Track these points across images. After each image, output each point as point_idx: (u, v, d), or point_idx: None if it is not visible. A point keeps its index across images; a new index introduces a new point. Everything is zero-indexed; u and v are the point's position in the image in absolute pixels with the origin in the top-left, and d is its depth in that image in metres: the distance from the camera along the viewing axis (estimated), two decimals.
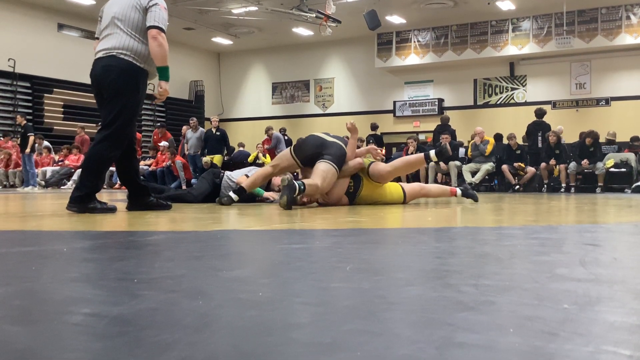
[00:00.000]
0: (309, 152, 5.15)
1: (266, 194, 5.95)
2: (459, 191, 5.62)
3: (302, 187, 4.68)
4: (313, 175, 4.95)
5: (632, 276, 1.52)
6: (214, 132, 13.81)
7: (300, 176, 5.51)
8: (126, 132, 4.14)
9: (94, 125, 15.78)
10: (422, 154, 5.46)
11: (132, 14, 4.12)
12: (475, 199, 5.64)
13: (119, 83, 4.06)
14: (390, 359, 0.78)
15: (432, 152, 5.40)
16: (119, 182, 14.04)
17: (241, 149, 15.85)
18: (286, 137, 15.79)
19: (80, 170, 4.25)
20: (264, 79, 21.71)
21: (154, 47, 4.09)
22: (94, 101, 4.34)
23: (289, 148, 5.37)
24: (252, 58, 21.59)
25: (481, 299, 1.16)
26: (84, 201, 3.99)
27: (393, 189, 5.45)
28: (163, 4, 4.22)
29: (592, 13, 16.05)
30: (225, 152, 14.36)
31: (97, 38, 4.33)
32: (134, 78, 4.11)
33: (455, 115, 17.11)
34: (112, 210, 4.07)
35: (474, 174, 11.98)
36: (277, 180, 6.45)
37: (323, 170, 4.95)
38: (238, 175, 6.31)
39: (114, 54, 4.08)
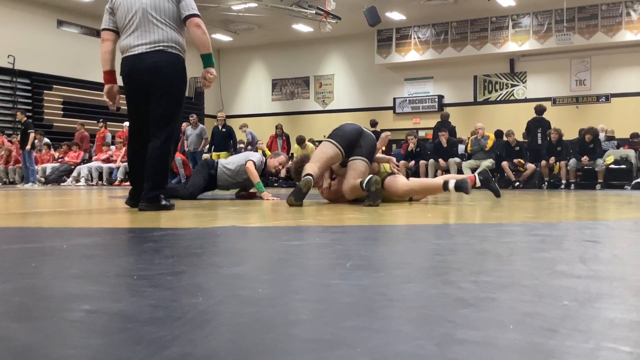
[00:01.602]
0: (351, 137, 4.95)
1: (264, 195, 5.85)
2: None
3: (312, 180, 4.62)
4: (354, 173, 4.84)
5: (632, 273, 1.52)
6: (220, 128, 13.73)
7: (333, 175, 5.32)
8: (178, 127, 4.18)
9: (97, 122, 15.79)
10: (441, 183, 5.16)
11: (167, 5, 4.05)
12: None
13: (172, 79, 4.04)
14: (390, 355, 0.78)
15: (451, 184, 5.13)
16: (118, 179, 14.05)
17: (241, 145, 15.84)
18: (284, 135, 15.74)
19: (145, 169, 4.14)
20: (263, 75, 21.70)
21: (199, 35, 4.06)
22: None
23: (327, 141, 5.06)
24: (251, 54, 21.58)
25: (481, 295, 1.16)
26: (159, 200, 4.00)
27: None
28: None
29: (592, 9, 16.04)
30: (232, 149, 14.24)
31: (112, 30, 4.17)
32: (182, 71, 4.12)
33: (455, 112, 17.10)
34: (173, 207, 4.12)
35: (473, 170, 11.97)
36: (272, 162, 6.37)
37: (362, 172, 4.87)
38: (234, 164, 6.23)
39: (161, 48, 4.01)
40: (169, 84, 4.03)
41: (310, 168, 4.83)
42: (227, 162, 6.31)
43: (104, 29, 4.21)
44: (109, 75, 4.24)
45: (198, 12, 4.12)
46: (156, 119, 4.04)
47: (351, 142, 4.94)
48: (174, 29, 4.07)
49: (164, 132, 4.03)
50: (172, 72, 4.04)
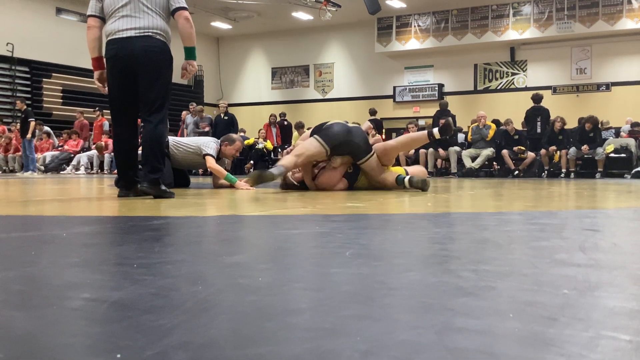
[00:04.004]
0: (339, 139, 5.11)
1: (238, 185, 5.60)
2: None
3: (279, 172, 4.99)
4: (373, 173, 5.26)
5: (632, 261, 1.52)
6: (222, 116, 13.79)
7: (322, 165, 5.37)
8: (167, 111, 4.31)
9: (93, 110, 15.74)
10: (425, 132, 5.51)
11: None
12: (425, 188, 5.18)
13: (159, 64, 4.14)
14: (389, 344, 0.78)
15: (435, 130, 5.35)
16: None
17: (242, 134, 15.82)
18: (286, 122, 15.75)
19: (141, 153, 4.26)
20: (263, 63, 21.61)
21: (187, 27, 4.20)
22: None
23: (311, 137, 5.19)
24: (251, 43, 21.49)
25: (481, 284, 1.16)
26: (160, 184, 4.09)
27: (394, 173, 5.35)
28: None
29: None
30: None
31: (98, 16, 4.23)
32: (169, 58, 4.21)
33: (455, 101, 17.06)
34: (173, 195, 4.18)
35: (473, 159, 11.97)
36: (229, 151, 6.18)
37: (379, 166, 5.27)
38: (186, 151, 6.01)
39: (150, 34, 4.10)
40: (157, 68, 4.13)
41: (287, 161, 5.08)
42: (179, 142, 6.11)
43: (90, 16, 4.29)
44: (98, 61, 4.33)
45: (187, 5, 4.24)
46: (148, 104, 4.14)
47: (341, 142, 5.12)
48: (162, 17, 4.18)
49: (156, 116, 4.13)
50: (160, 58, 4.14)
